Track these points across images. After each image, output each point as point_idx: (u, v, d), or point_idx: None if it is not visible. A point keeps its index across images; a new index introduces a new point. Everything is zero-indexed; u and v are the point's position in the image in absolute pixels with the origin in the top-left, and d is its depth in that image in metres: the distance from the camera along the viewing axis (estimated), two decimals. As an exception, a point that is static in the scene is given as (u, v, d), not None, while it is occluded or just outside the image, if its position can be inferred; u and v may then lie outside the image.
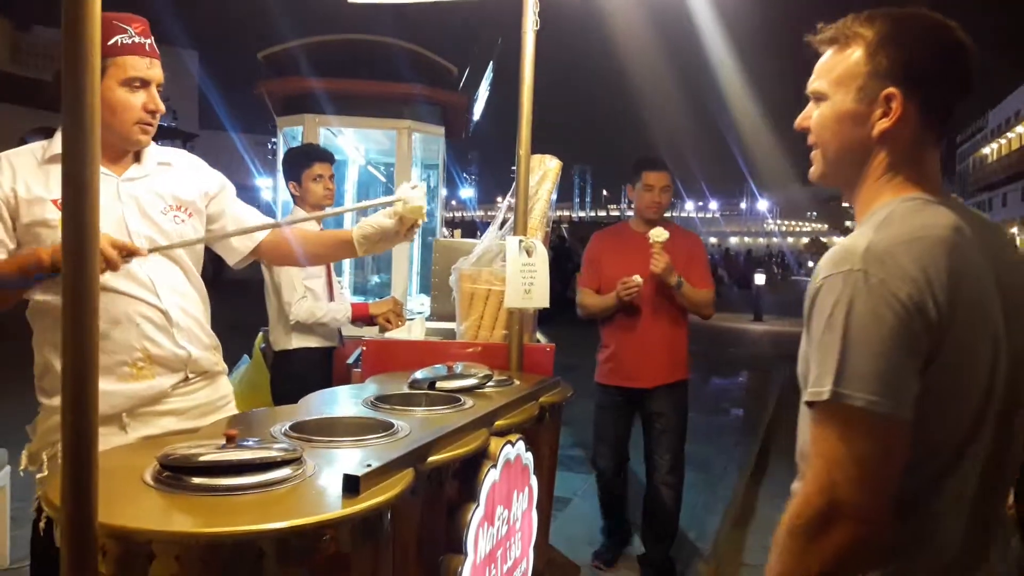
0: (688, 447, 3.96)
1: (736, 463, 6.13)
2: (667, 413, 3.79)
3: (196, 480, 1.45)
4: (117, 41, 2.00)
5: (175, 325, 2.12)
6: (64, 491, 1.23)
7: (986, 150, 52.50)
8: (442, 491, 1.84)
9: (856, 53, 1.25)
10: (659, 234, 3.57)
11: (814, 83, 1.32)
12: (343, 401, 2.29)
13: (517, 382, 2.54)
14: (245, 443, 1.59)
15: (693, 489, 5.26)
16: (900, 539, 1.17)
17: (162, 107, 2.09)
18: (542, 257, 2.79)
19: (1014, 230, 42.17)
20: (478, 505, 1.89)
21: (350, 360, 3.27)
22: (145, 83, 2.05)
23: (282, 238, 2.39)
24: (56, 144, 2.00)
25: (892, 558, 1.17)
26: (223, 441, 1.57)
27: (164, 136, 32.65)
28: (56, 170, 1.99)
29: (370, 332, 3.70)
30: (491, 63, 4.58)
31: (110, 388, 1.99)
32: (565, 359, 3.35)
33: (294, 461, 1.54)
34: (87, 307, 1.22)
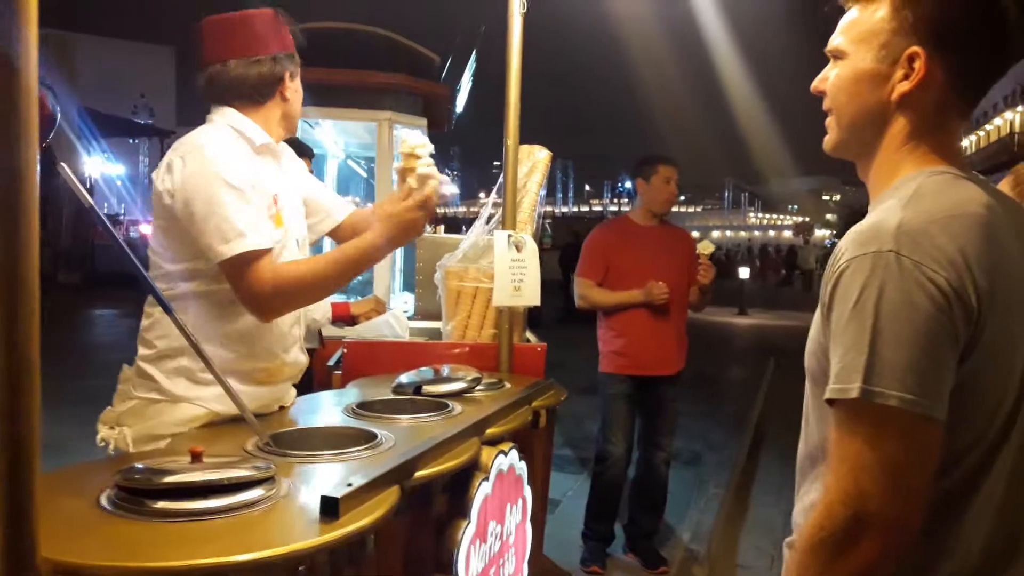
0: (678, 443, 4.11)
1: (727, 461, 6.03)
2: (675, 398, 3.97)
3: (157, 504, 1.31)
4: (291, 35, 2.04)
5: (299, 333, 2.11)
6: (-1, 520, 1.07)
7: (964, 142, 52.90)
8: (430, 508, 1.70)
9: (881, 9, 1.13)
10: (706, 247, 3.78)
11: (834, 40, 1.19)
12: (322, 409, 2.15)
13: (508, 385, 2.40)
14: (213, 460, 1.45)
15: (684, 486, 5.18)
16: (923, 553, 1.04)
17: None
18: (532, 252, 2.66)
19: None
20: (469, 522, 1.75)
21: (330, 362, 3.12)
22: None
23: (364, 219, 2.25)
24: (257, 132, 1.97)
25: (914, 574, 1.05)
26: (189, 458, 1.42)
27: (140, 133, 32.29)
28: (265, 162, 1.98)
29: (352, 333, 3.55)
30: (474, 52, 4.43)
31: (242, 389, 1.87)
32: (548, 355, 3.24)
33: (267, 480, 1.40)
34: (25, 309, 1.06)
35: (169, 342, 1.88)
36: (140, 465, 1.41)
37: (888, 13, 1.12)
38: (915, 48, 1.09)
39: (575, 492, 4.96)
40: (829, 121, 1.22)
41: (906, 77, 1.11)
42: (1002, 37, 1.10)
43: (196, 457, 1.42)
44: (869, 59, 1.14)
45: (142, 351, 1.93)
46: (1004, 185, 2.16)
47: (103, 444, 1.92)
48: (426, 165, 1.96)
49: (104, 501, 1.34)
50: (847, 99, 1.17)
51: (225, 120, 1.94)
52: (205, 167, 1.80)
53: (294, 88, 2.03)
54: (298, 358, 2.07)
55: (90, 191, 1.93)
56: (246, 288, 1.81)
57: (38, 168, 1.11)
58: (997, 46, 1.11)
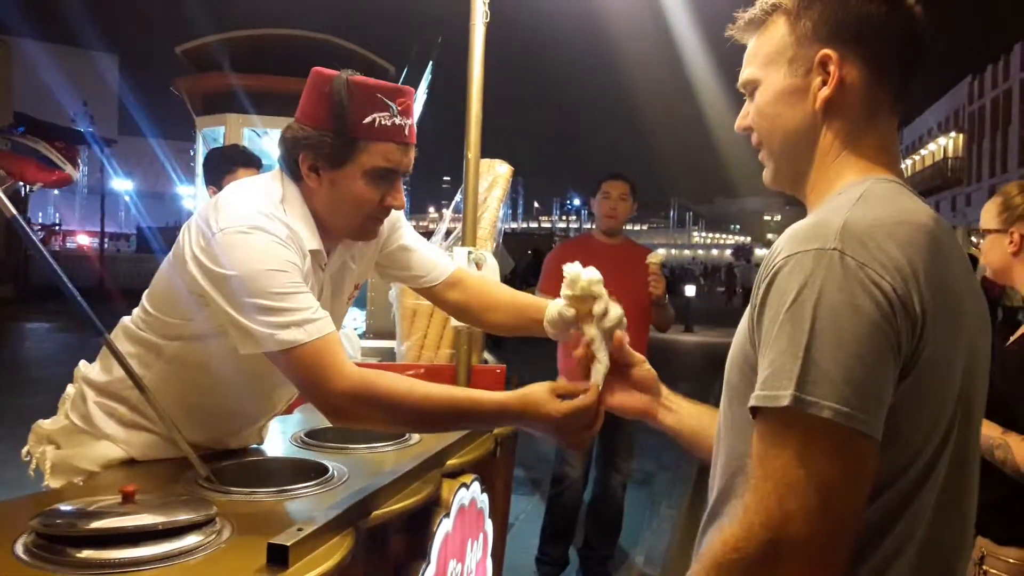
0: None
1: (680, 480, 5.99)
2: (633, 419, 3.82)
3: (81, 554, 1.16)
4: (375, 120, 1.57)
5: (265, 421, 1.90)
6: None
7: (901, 165, 54.57)
8: (387, 549, 1.57)
9: (779, 27, 1.08)
10: (656, 257, 3.69)
11: (743, 74, 1.13)
12: (268, 437, 2.00)
13: (467, 410, 2.28)
14: (146, 499, 1.31)
15: (638, 508, 5.11)
16: None
17: (403, 202, 1.69)
18: (493, 270, 2.55)
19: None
20: (429, 563, 1.63)
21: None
22: (394, 175, 1.63)
23: (473, 285, 1.98)
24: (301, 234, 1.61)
25: None
26: (119, 498, 1.28)
27: (79, 141, 31.43)
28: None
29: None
30: (430, 64, 4.33)
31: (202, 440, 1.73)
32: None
33: (207, 523, 1.26)
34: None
35: (117, 388, 1.72)
36: (63, 507, 1.26)
37: (787, 28, 1.07)
38: (824, 51, 1.04)
39: (527, 515, 4.84)
40: (762, 155, 1.15)
41: (824, 83, 1.05)
42: (908, 21, 1.05)
43: (127, 497, 1.28)
44: (782, 77, 1.08)
45: (87, 372, 1.78)
46: (991, 207, 2.13)
47: (27, 459, 1.78)
48: (611, 317, 1.48)
49: (20, 550, 1.19)
50: (771, 124, 1.11)
51: None
52: None
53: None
54: (247, 440, 1.87)
55: (25, 200, 1.69)
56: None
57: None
58: (906, 32, 1.06)
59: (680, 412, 1.43)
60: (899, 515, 0.95)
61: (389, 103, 1.58)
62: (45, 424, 1.79)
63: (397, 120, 1.59)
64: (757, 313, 0.95)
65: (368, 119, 1.56)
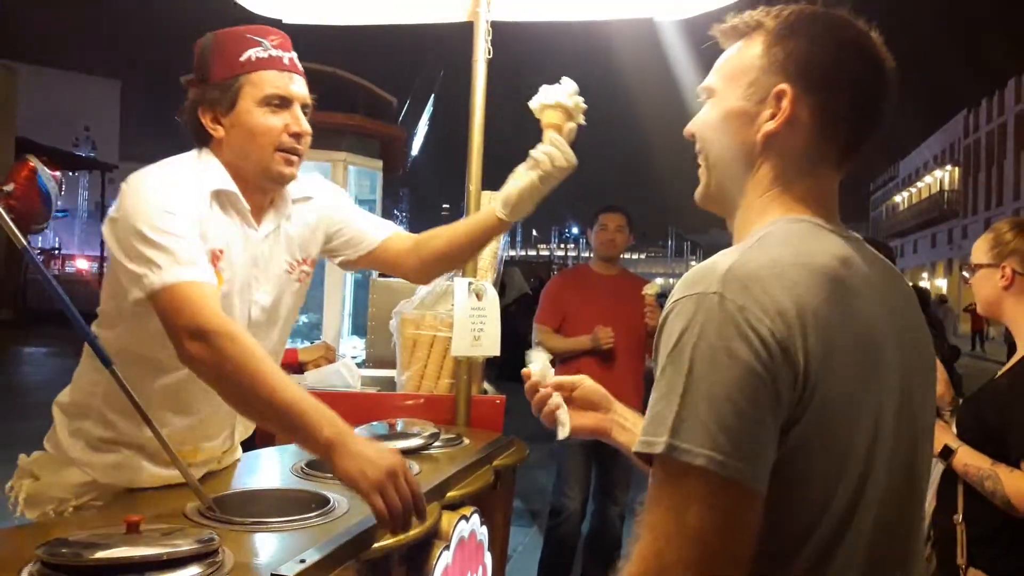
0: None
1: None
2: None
3: (85, 584, 1.16)
4: (250, 56, 1.69)
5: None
6: None
7: (898, 198, 54.87)
8: (387, 580, 1.57)
9: (755, 45, 1.06)
10: (652, 289, 3.74)
11: (707, 79, 1.11)
12: (267, 467, 2.01)
13: (467, 441, 2.29)
14: (151, 529, 1.32)
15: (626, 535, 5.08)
16: None
17: (308, 128, 1.75)
18: (493, 301, 2.57)
19: (924, 275, 44.04)
20: (429, 594, 1.63)
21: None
22: (286, 102, 1.71)
23: (411, 241, 2.01)
24: (207, 175, 1.70)
25: None
26: (123, 528, 1.29)
27: (81, 167, 31.54)
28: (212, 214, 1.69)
29: (300, 382, 3.40)
30: (432, 96, 4.39)
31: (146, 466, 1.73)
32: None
33: (209, 555, 1.27)
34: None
35: (80, 397, 1.75)
36: (68, 537, 1.27)
37: (761, 50, 1.04)
38: (783, 86, 1.01)
39: (525, 547, 4.81)
40: (700, 170, 1.12)
41: (772, 116, 1.02)
42: (874, 84, 1.03)
43: (132, 527, 1.29)
44: (736, 97, 1.05)
45: (60, 397, 1.79)
46: (982, 243, 2.17)
47: (9, 493, 1.78)
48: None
49: (24, 579, 1.20)
50: (713, 138, 1.09)
51: None
52: None
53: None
54: (221, 445, 1.87)
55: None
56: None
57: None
58: (869, 93, 1.03)
59: (635, 429, 1.36)
60: (824, 568, 0.91)
61: (260, 40, 1.72)
62: (26, 458, 1.80)
63: (273, 52, 1.72)
64: (655, 358, 0.94)
65: (243, 56, 1.69)
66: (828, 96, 1.01)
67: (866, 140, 1.05)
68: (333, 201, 1.96)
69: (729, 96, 1.07)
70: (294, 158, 1.74)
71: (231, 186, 1.70)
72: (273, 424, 1.54)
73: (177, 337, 1.51)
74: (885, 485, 0.95)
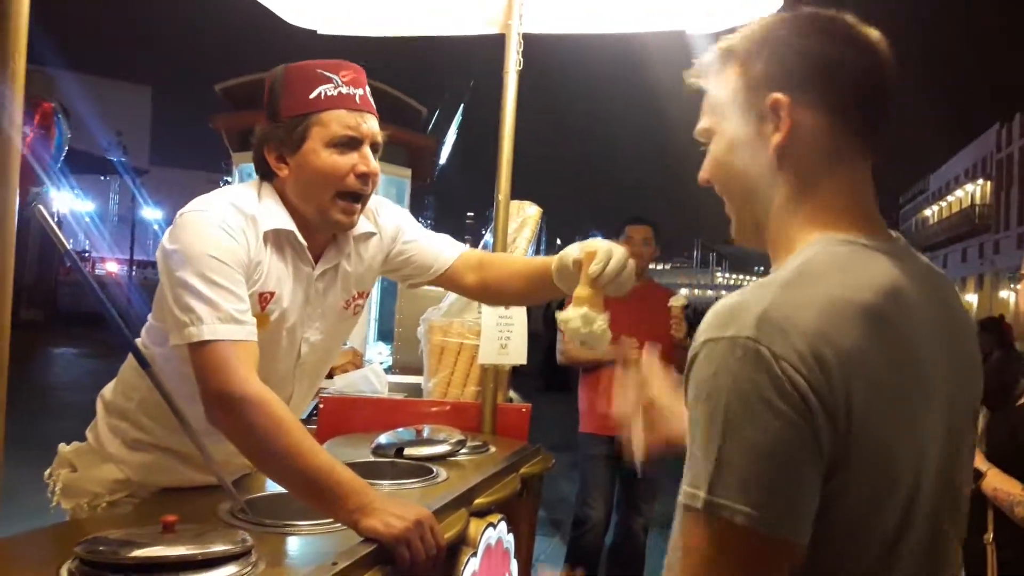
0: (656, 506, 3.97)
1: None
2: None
3: (123, 582, 1.19)
4: (320, 93, 1.63)
5: None
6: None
7: (928, 212, 54.23)
8: (415, 586, 1.58)
9: (732, 71, 1.03)
10: (678, 300, 3.77)
11: (699, 125, 1.09)
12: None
13: (493, 448, 2.30)
14: (186, 529, 1.34)
15: (660, 551, 5.01)
16: None
17: (376, 168, 1.68)
18: (519, 310, 2.59)
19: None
20: (456, 600, 1.64)
21: (302, 416, 3.00)
22: (356, 142, 1.65)
23: (487, 261, 1.99)
24: (265, 214, 1.66)
25: None
26: (160, 528, 1.31)
27: (112, 171, 32.09)
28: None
29: (328, 386, 3.43)
30: (462, 106, 4.42)
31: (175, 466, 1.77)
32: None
33: (243, 555, 1.29)
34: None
35: (119, 400, 1.79)
36: (106, 535, 1.30)
37: (738, 72, 1.02)
38: (775, 96, 0.98)
39: (548, 556, 4.81)
40: (727, 208, 1.09)
41: (776, 129, 0.99)
42: (866, 61, 0.99)
43: (168, 527, 1.31)
44: (736, 126, 1.03)
45: (104, 392, 1.84)
46: None
47: (48, 481, 1.83)
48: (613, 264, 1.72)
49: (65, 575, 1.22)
50: (727, 174, 1.06)
51: None
52: None
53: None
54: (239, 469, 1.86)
55: (58, 226, 1.70)
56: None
57: (16, 210, 1.04)
58: (866, 71, 0.99)
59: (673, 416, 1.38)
60: None
61: (332, 76, 1.65)
62: (66, 448, 1.85)
63: (344, 90, 1.65)
64: (685, 392, 0.90)
65: (313, 94, 1.63)
66: (821, 90, 0.98)
67: (884, 115, 1.01)
68: (396, 234, 1.92)
69: (728, 128, 1.04)
70: (355, 206, 1.69)
71: (289, 225, 1.67)
72: (300, 495, 1.52)
73: (206, 399, 1.51)
74: (929, 514, 0.93)
